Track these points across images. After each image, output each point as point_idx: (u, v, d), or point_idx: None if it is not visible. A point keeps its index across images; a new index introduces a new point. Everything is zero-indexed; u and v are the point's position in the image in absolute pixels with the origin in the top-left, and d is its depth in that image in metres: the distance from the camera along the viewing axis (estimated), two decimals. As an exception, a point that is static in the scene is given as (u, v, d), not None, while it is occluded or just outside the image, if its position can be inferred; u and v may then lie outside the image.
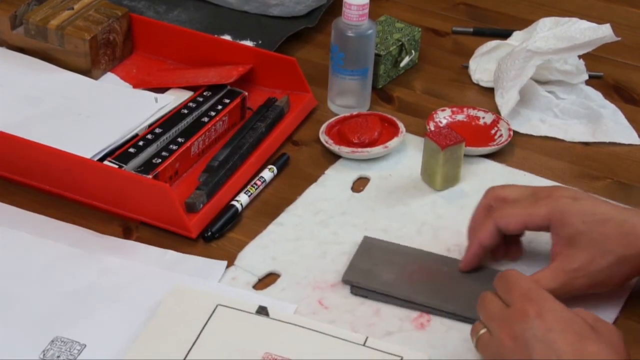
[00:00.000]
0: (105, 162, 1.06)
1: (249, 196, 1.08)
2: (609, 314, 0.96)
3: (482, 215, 0.99)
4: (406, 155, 1.16)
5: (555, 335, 0.82)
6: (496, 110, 1.23)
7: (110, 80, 1.23)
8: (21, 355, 0.88)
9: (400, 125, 1.17)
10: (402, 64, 1.29)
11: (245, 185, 1.09)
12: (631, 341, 0.92)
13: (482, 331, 0.88)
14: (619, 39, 1.20)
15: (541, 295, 0.85)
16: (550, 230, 0.96)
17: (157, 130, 1.11)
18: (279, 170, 1.13)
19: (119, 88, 1.21)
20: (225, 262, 0.99)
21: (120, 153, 1.08)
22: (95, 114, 1.15)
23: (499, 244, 0.99)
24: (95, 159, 1.07)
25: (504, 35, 1.34)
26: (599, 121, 1.22)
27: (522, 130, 1.21)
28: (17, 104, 1.16)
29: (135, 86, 1.21)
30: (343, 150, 1.14)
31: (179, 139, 1.10)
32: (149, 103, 1.17)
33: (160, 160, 1.06)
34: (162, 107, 1.16)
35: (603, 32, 1.19)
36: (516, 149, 1.18)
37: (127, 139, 1.11)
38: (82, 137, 1.10)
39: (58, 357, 0.87)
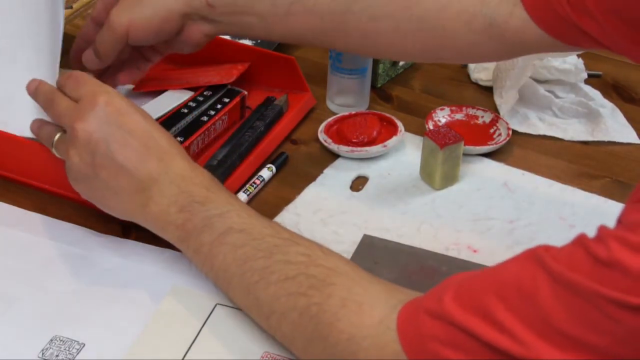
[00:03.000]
0: (104, 161, 1.06)
1: (247, 195, 1.08)
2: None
3: None
4: (405, 154, 1.16)
5: (126, 118, 0.90)
6: (495, 109, 1.23)
7: (109, 79, 1.22)
8: (20, 354, 0.87)
9: (399, 124, 1.17)
10: (401, 63, 1.29)
11: (244, 185, 1.09)
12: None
13: (57, 136, 0.94)
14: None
15: (109, 89, 0.93)
16: None
17: (156, 129, 1.11)
18: (278, 169, 1.13)
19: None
20: (224, 261, 0.99)
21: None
22: None
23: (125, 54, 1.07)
24: None
25: (503, 34, 1.33)
26: (597, 120, 1.22)
27: (521, 129, 1.21)
28: (8, 102, 1.16)
29: (135, 89, 1.21)
30: (342, 149, 1.14)
31: (179, 138, 1.10)
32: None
33: (159, 159, 1.06)
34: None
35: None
36: (515, 148, 1.18)
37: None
38: None
39: (57, 356, 0.87)
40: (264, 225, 0.87)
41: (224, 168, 1.08)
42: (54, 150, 0.95)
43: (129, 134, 0.90)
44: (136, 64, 1.09)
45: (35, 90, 0.98)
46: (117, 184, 0.90)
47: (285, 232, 0.87)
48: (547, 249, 0.72)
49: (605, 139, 1.21)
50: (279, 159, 1.13)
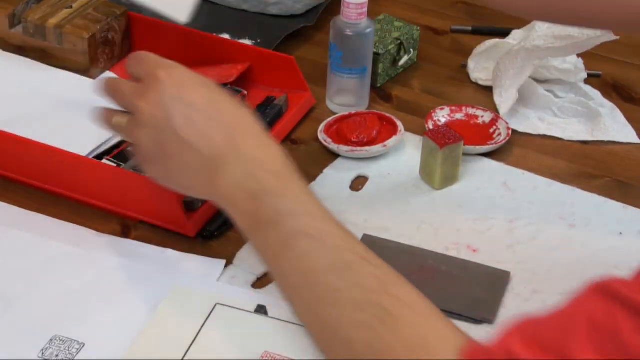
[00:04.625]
0: (104, 161, 1.06)
1: (247, 195, 1.07)
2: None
3: None
4: (405, 154, 1.16)
5: (188, 90, 0.86)
6: (495, 109, 1.23)
7: (109, 79, 1.23)
8: (20, 354, 0.88)
9: (399, 124, 1.17)
10: (400, 63, 1.29)
11: (244, 184, 1.09)
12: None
13: (116, 118, 0.91)
14: (618, 37, 1.20)
15: (171, 63, 0.88)
16: None
17: (156, 129, 1.11)
18: (278, 169, 1.12)
19: None
20: (224, 261, 0.99)
21: (119, 152, 1.08)
22: (87, 111, 1.15)
23: None
24: (90, 157, 1.07)
25: (503, 33, 1.34)
26: (597, 120, 1.22)
27: (521, 129, 1.21)
28: (6, 102, 1.16)
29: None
30: (342, 149, 1.14)
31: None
32: None
33: (159, 159, 1.06)
34: None
35: (602, 31, 1.19)
36: (515, 148, 1.18)
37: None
38: (74, 135, 1.10)
39: (57, 356, 0.87)
40: (338, 235, 0.82)
41: (223, 168, 1.08)
42: (125, 136, 0.92)
43: (191, 107, 0.85)
44: None
45: (102, 84, 0.93)
46: (182, 159, 0.86)
47: (359, 246, 0.82)
48: (615, 280, 0.66)
49: (605, 138, 1.21)
50: (279, 159, 1.13)
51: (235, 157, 0.84)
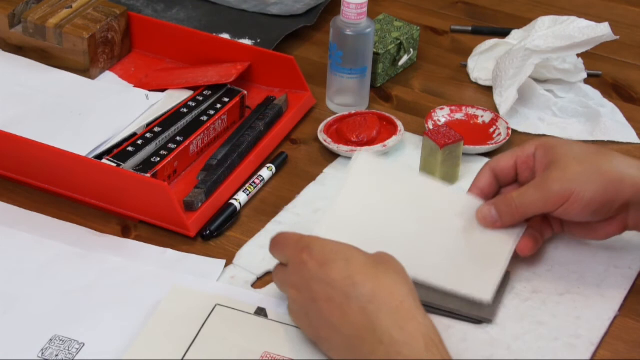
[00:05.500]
0: (104, 161, 1.06)
1: (247, 195, 1.08)
2: (607, 313, 0.96)
3: None
4: (405, 154, 1.16)
5: (327, 268, 0.85)
6: (495, 109, 1.23)
7: (109, 79, 1.23)
8: (20, 354, 0.88)
9: (399, 124, 1.17)
10: (400, 63, 1.29)
11: (244, 184, 1.09)
12: (631, 341, 0.92)
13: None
14: (618, 37, 1.20)
15: (309, 240, 0.88)
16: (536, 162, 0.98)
17: (156, 129, 1.11)
18: (278, 169, 1.13)
19: (110, 86, 1.21)
20: (223, 261, 0.99)
21: (119, 152, 1.08)
22: (87, 111, 1.15)
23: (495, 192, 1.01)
24: (90, 157, 1.07)
25: (503, 33, 1.34)
26: (597, 120, 1.22)
27: (521, 128, 1.21)
28: (6, 102, 1.16)
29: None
30: (342, 149, 1.14)
31: (178, 138, 1.10)
32: (141, 100, 1.17)
33: (158, 159, 1.06)
34: (154, 104, 1.16)
35: (601, 31, 1.19)
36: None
37: (125, 138, 1.11)
38: (74, 135, 1.11)
39: (56, 356, 0.87)
40: None
41: (223, 168, 1.08)
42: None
43: (330, 285, 0.85)
44: (538, 232, 1.00)
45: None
46: (330, 338, 0.86)
47: None
48: None
49: (605, 138, 1.21)
50: (279, 159, 1.13)
51: (373, 338, 0.82)
